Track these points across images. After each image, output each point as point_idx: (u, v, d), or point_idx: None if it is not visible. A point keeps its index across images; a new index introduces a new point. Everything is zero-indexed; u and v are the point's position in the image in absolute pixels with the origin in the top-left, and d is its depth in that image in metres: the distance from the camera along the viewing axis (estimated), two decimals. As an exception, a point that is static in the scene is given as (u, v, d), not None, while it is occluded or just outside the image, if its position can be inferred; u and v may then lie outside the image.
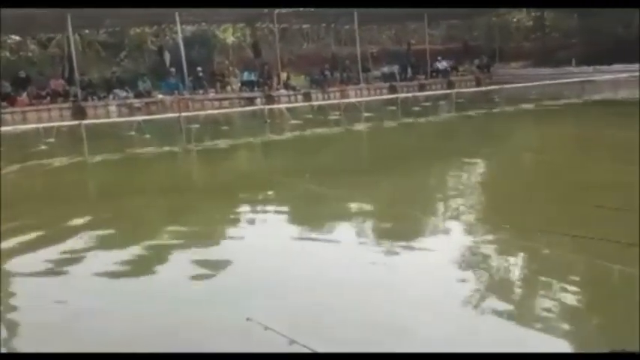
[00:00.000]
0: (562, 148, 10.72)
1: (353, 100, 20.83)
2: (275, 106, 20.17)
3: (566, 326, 3.72)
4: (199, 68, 24.63)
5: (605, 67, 25.21)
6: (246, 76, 25.50)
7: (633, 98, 19.73)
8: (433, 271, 4.74)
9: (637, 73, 23.44)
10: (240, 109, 21.07)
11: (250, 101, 22.87)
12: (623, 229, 4.93)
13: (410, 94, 22.73)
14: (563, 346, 3.45)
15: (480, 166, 9.54)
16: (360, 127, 16.20)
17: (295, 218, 6.84)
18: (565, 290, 4.21)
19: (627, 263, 4.26)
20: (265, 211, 7.21)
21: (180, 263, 5.19)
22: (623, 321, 3.74)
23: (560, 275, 4.43)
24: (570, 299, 4.09)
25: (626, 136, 11.13)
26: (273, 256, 5.25)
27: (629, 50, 24.24)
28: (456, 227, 5.99)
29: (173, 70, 24.63)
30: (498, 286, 4.39)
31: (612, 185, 7.14)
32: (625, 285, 4.22)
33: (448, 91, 23.17)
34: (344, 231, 6.04)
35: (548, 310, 3.93)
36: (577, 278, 4.41)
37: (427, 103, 21.10)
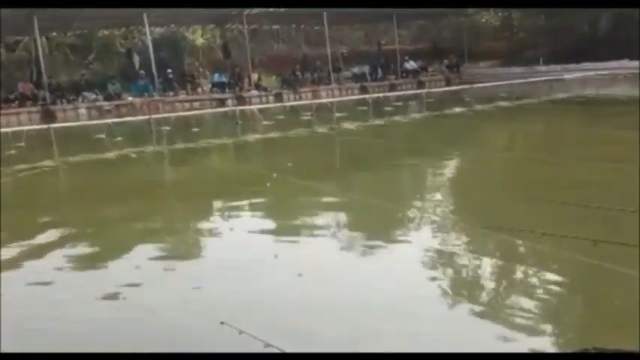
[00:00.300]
0: (532, 147, 10.87)
1: (324, 100, 20.89)
2: (246, 107, 20.13)
3: (540, 322, 3.76)
4: (169, 70, 24.42)
5: (572, 66, 25.67)
6: (216, 77, 25.38)
7: (601, 96, 20.16)
8: (405, 269, 4.78)
9: (604, 72, 23.97)
10: (211, 110, 20.95)
11: (221, 102, 22.74)
12: (592, 226, 5.02)
13: (381, 94, 22.86)
14: (541, 342, 3.49)
15: (450, 165, 9.61)
16: (332, 127, 16.21)
17: (270, 218, 6.83)
18: (534, 285, 4.29)
19: (596, 258, 4.30)
20: (239, 212, 7.19)
21: (156, 265, 5.15)
22: (596, 316, 3.84)
23: (529, 271, 4.53)
24: (540, 294, 4.14)
25: (595, 133, 11.37)
26: (248, 256, 5.22)
27: (597, 49, 24.75)
28: (427, 225, 6.07)
29: (142, 72, 24.34)
30: (469, 283, 4.48)
31: (581, 182, 7.27)
32: (595, 282, 4.28)
33: (418, 91, 23.36)
34: (316, 230, 6.06)
35: (519, 305, 3.97)
36: (545, 274, 4.47)
37: (398, 103, 21.22)
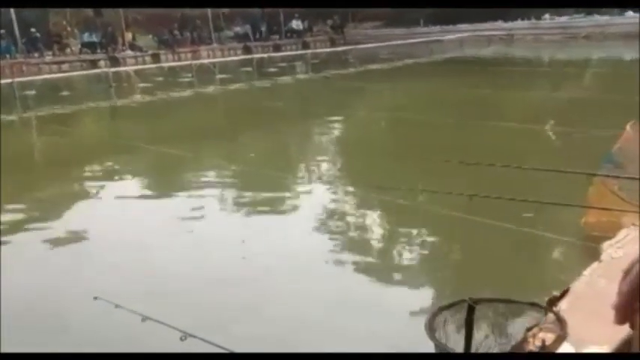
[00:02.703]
0: (413, 108, 10.90)
1: (206, 61, 20.03)
2: (121, 68, 18.90)
3: (420, 272, 3.93)
4: (33, 29, 22.51)
5: (450, 27, 26.37)
6: (86, 37, 23.76)
7: (478, 56, 20.84)
8: (296, 230, 4.68)
9: (480, 33, 24.81)
10: (81, 72, 19.45)
11: (93, 64, 21.25)
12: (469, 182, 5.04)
13: (265, 55, 22.27)
14: (421, 291, 3.61)
15: (338, 127, 9.49)
16: (214, 89, 15.59)
17: (148, 187, 6.40)
18: (416, 239, 4.40)
19: (471, 213, 4.33)
20: (113, 181, 6.64)
21: (28, 238, 4.76)
22: (469, 265, 3.96)
23: (411, 226, 4.62)
24: (421, 247, 4.26)
25: (473, 93, 11.60)
26: (127, 227, 4.92)
27: (473, 10, 25.46)
28: (317, 186, 5.97)
29: (3, 31, 22.29)
30: (358, 240, 4.49)
31: (461, 141, 7.30)
32: (470, 234, 4.37)
33: (303, 52, 23.00)
34: (205, 196, 5.71)
35: (404, 257, 4.13)
36: (426, 228, 4.55)
37: (283, 64, 20.84)
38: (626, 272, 0.51)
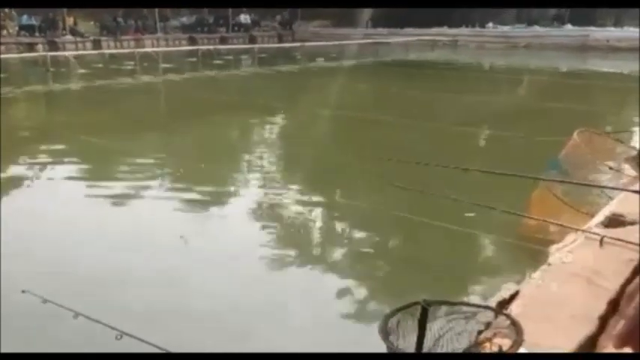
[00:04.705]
0: (359, 106, 10.91)
1: (149, 49, 19.52)
2: (60, 53, 18.16)
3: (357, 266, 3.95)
4: (-33, 9, 21.43)
5: (397, 30, 26.64)
6: (25, 19, 22.72)
7: (422, 60, 21.13)
8: (233, 228, 4.55)
9: (425, 37, 25.16)
10: (18, 55, 18.64)
11: (31, 47, 20.38)
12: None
13: (211, 47, 21.92)
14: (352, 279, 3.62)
15: (279, 123, 9.40)
16: (157, 79, 15.19)
17: (79, 177, 6.06)
18: (352, 237, 4.43)
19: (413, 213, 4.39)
20: (45, 169, 6.30)
21: None
22: (407, 264, 3.93)
23: (346, 223, 4.63)
24: (357, 244, 4.28)
25: (415, 95, 11.76)
26: (53, 219, 4.62)
27: (419, 15, 25.81)
28: (254, 183, 5.83)
29: None
30: (295, 236, 4.44)
31: (400, 140, 7.39)
32: (411, 233, 4.39)
33: (250, 46, 22.77)
34: (137, 190, 5.47)
35: (339, 253, 4.12)
36: (369, 228, 4.53)
37: (229, 57, 20.57)
38: (630, 296, 0.50)
